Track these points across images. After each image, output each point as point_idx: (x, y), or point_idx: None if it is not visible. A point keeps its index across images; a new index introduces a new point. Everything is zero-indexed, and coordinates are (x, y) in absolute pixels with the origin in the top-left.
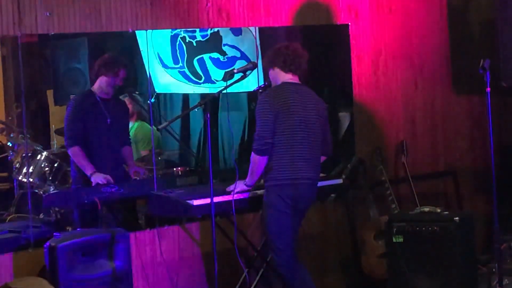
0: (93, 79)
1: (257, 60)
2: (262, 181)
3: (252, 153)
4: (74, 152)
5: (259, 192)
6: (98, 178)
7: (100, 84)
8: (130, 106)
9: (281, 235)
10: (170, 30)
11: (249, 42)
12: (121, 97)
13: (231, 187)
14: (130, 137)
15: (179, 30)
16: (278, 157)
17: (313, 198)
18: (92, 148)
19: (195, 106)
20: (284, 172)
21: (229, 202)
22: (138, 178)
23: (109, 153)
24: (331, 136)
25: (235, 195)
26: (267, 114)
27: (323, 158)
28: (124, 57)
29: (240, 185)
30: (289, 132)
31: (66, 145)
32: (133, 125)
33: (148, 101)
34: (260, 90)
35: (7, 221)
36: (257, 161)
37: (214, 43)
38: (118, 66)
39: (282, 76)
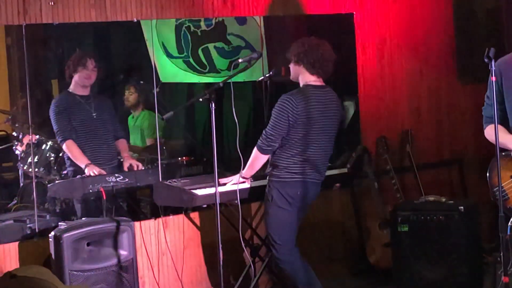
0: (69, 83)
1: (262, 49)
2: (265, 170)
3: (255, 148)
4: (68, 146)
5: (263, 182)
6: (92, 170)
7: (75, 81)
8: (135, 96)
9: (281, 231)
10: (175, 19)
11: (254, 31)
12: (126, 87)
13: (225, 180)
14: (122, 130)
15: (183, 19)
16: (289, 157)
17: (316, 195)
18: (84, 143)
19: (200, 96)
20: (292, 173)
21: (233, 191)
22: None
23: (100, 147)
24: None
25: (240, 184)
26: (282, 119)
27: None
28: (91, 48)
29: (236, 177)
30: (306, 136)
31: (60, 142)
32: (139, 114)
33: (153, 91)
34: (265, 80)
35: (12, 210)
36: (258, 157)
37: (218, 32)
38: (84, 57)
39: (307, 77)
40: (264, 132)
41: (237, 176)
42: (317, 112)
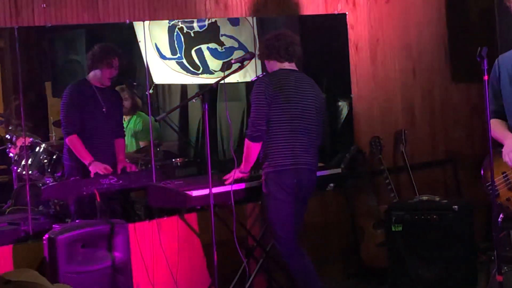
0: (88, 72)
1: (255, 50)
2: (260, 171)
3: (246, 139)
4: (72, 141)
5: (257, 182)
6: (97, 167)
7: (96, 76)
8: (129, 101)
9: (283, 223)
10: (168, 21)
11: (247, 32)
12: (116, 88)
13: (227, 176)
14: (124, 129)
15: (176, 20)
16: (277, 144)
17: (313, 184)
18: (88, 137)
19: (193, 97)
20: (284, 159)
21: (228, 192)
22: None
23: (104, 143)
24: (324, 127)
25: (234, 186)
26: (261, 101)
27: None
28: (116, 45)
29: (236, 173)
30: (289, 119)
31: (64, 134)
32: (131, 117)
33: (146, 92)
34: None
35: (6, 213)
36: (251, 147)
37: (212, 33)
38: (111, 55)
39: (279, 65)
40: (249, 120)
41: (236, 171)
42: (292, 90)
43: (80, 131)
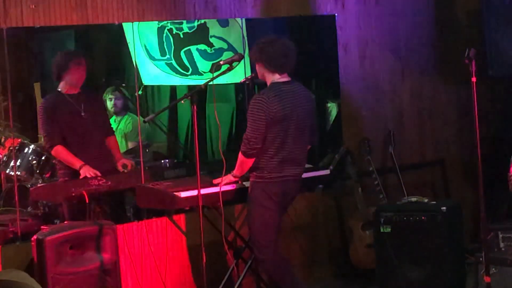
0: (57, 83)
1: (244, 52)
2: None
3: (240, 153)
4: (57, 152)
5: (247, 184)
6: (87, 171)
7: (66, 81)
8: (122, 100)
9: (265, 231)
10: (157, 22)
11: (236, 34)
12: (108, 89)
13: (218, 180)
14: (112, 127)
15: (166, 22)
16: (267, 157)
17: (296, 193)
18: (75, 145)
19: (181, 98)
20: (272, 173)
21: (217, 193)
22: (125, 171)
23: (93, 147)
24: (317, 126)
25: (222, 187)
26: (260, 121)
27: (308, 147)
28: (81, 49)
29: (228, 177)
30: (282, 135)
31: (48, 148)
32: (123, 117)
33: (136, 94)
34: (247, 82)
35: None
36: (244, 161)
37: (201, 34)
38: (75, 54)
39: (270, 75)
40: (244, 136)
41: (229, 175)
42: (288, 107)
43: (64, 141)
